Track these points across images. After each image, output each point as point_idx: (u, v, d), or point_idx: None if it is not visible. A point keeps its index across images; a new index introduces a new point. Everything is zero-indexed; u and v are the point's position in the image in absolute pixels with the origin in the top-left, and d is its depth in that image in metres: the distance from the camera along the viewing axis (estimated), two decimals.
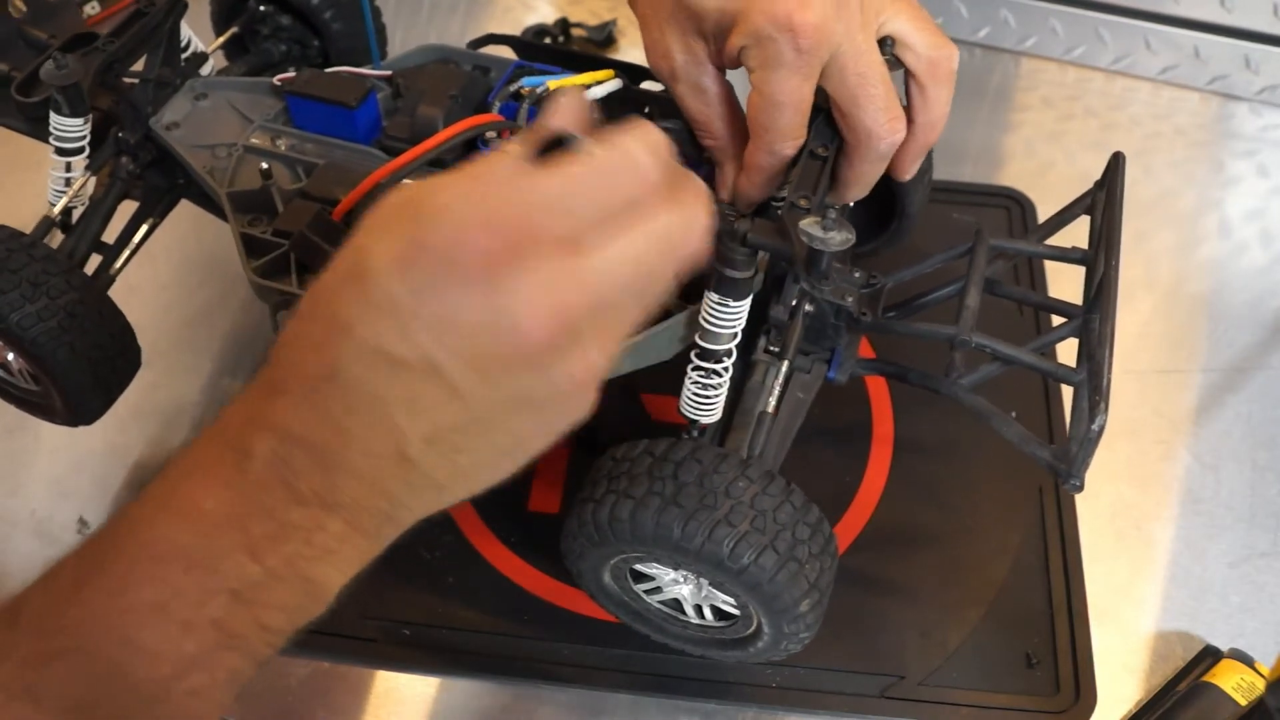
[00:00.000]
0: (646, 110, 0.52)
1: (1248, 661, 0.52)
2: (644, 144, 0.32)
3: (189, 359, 0.66)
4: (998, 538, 0.58)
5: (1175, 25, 0.81)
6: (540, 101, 0.50)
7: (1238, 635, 0.55)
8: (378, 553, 0.35)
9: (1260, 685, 0.51)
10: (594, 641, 0.54)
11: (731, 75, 0.47)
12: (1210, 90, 0.83)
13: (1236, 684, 0.51)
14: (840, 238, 0.42)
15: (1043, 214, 0.72)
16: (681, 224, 0.33)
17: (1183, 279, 0.72)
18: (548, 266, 0.30)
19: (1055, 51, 0.85)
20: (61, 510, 0.59)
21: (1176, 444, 0.63)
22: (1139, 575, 0.58)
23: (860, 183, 0.48)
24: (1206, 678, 0.52)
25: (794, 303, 0.47)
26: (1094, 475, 0.60)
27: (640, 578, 0.49)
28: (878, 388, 0.64)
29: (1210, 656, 0.54)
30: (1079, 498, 0.59)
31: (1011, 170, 0.78)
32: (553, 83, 0.51)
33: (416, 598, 0.55)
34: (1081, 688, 0.53)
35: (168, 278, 0.70)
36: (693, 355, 0.46)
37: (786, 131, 0.45)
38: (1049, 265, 0.70)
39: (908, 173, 0.50)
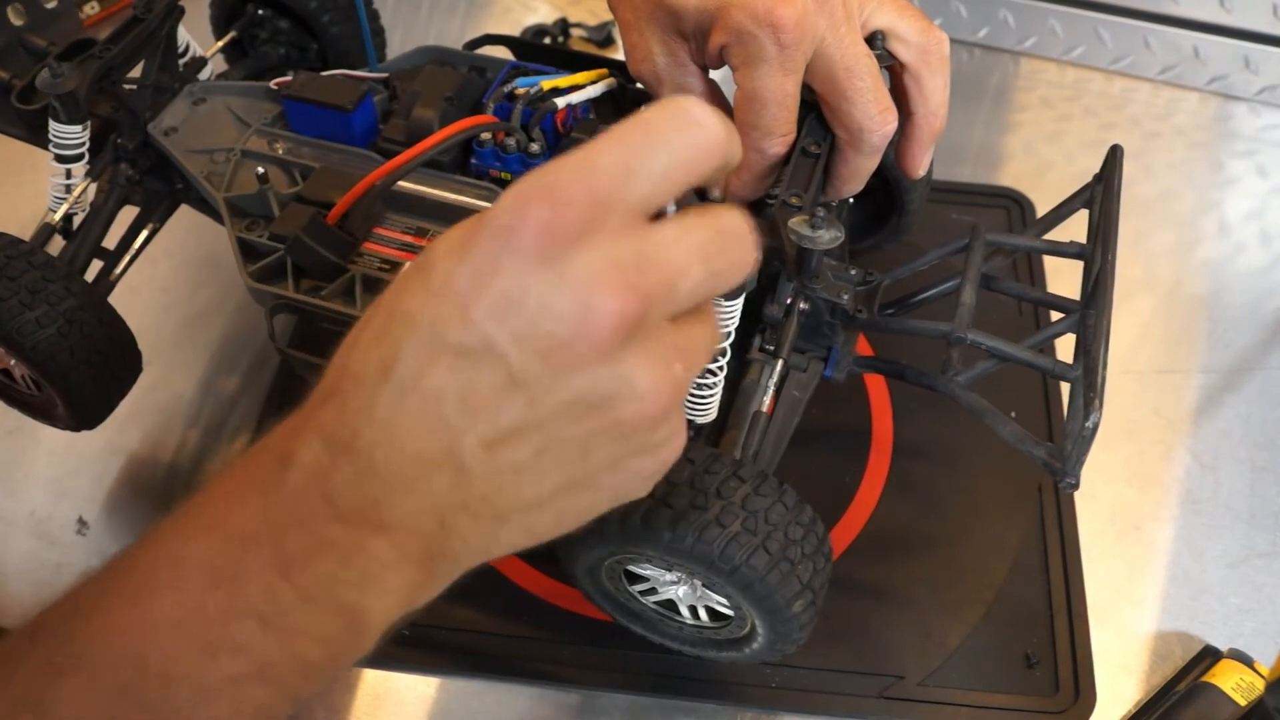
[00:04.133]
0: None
1: (1247, 662, 0.52)
2: (693, 101, 0.30)
3: (188, 360, 0.66)
4: (997, 538, 0.58)
5: (1175, 25, 0.81)
6: (535, 102, 0.50)
7: (1237, 635, 0.55)
8: (432, 591, 0.32)
9: (1259, 685, 0.51)
10: (593, 642, 0.54)
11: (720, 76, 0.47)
12: (1209, 90, 0.83)
13: (1236, 684, 0.51)
14: (829, 236, 0.42)
15: (1042, 214, 0.72)
16: (739, 223, 0.31)
17: (1182, 279, 0.72)
18: (614, 241, 0.28)
19: (1054, 52, 0.85)
20: (61, 510, 0.60)
21: (1176, 444, 0.63)
22: (1138, 575, 0.58)
23: (855, 178, 0.48)
24: (1206, 678, 0.52)
25: (788, 301, 0.47)
26: (1093, 475, 0.60)
27: (635, 578, 0.49)
28: (877, 389, 0.64)
29: (1209, 657, 0.54)
30: (1078, 498, 0.59)
31: (1011, 170, 0.78)
32: (546, 83, 0.51)
33: None
34: (1081, 688, 0.53)
35: (167, 279, 0.70)
36: None
37: (772, 128, 0.44)
38: (1049, 262, 0.70)
39: (920, 168, 0.49)
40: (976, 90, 0.83)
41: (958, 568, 0.57)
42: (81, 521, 0.59)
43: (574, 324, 0.28)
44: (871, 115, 0.45)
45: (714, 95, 0.47)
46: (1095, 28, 0.83)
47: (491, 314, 0.28)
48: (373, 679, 0.54)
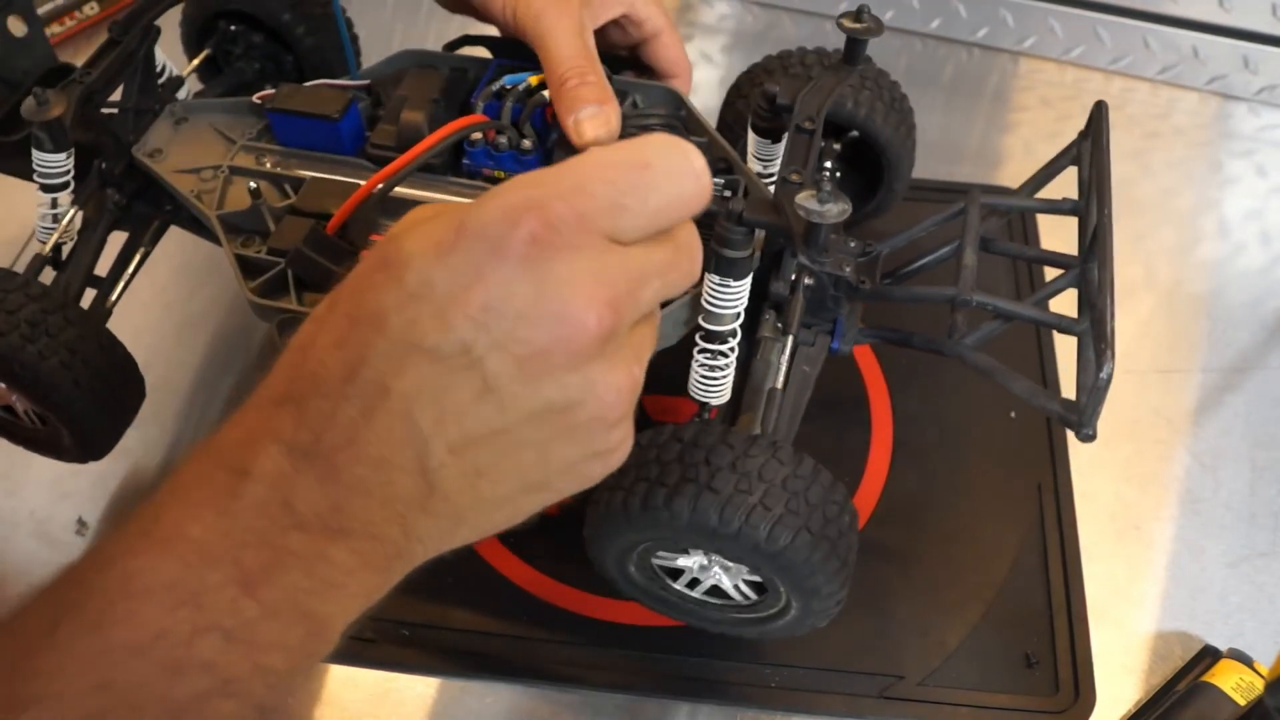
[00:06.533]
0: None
1: (1246, 661, 0.52)
2: (695, 151, 0.32)
3: (187, 362, 0.66)
4: (997, 537, 0.58)
5: (1174, 25, 0.81)
6: (523, 98, 0.50)
7: (1236, 635, 0.55)
8: (386, 590, 0.32)
9: (1259, 685, 0.51)
10: (593, 642, 0.54)
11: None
12: (1209, 90, 0.83)
13: (1235, 684, 0.51)
14: (837, 209, 0.43)
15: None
16: (695, 239, 0.33)
17: (1181, 279, 0.72)
18: (594, 257, 0.29)
19: (1054, 51, 0.85)
20: (61, 511, 0.60)
21: (1175, 444, 0.63)
22: (1138, 575, 0.58)
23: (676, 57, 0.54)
24: (1205, 678, 0.52)
25: (793, 277, 0.48)
26: (1093, 475, 0.60)
27: (654, 558, 0.49)
28: (877, 391, 0.64)
29: (1209, 656, 0.54)
30: (1078, 498, 0.59)
31: (1010, 170, 0.78)
32: (534, 78, 0.51)
33: (415, 598, 0.55)
34: (1080, 688, 0.53)
35: (165, 281, 0.70)
36: (698, 338, 0.46)
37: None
38: (1041, 230, 0.70)
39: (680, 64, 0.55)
40: (975, 90, 0.84)
41: (958, 567, 0.57)
42: (81, 522, 0.59)
43: (553, 333, 0.29)
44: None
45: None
46: (1094, 27, 0.83)
47: (473, 320, 0.28)
48: (373, 679, 0.54)
